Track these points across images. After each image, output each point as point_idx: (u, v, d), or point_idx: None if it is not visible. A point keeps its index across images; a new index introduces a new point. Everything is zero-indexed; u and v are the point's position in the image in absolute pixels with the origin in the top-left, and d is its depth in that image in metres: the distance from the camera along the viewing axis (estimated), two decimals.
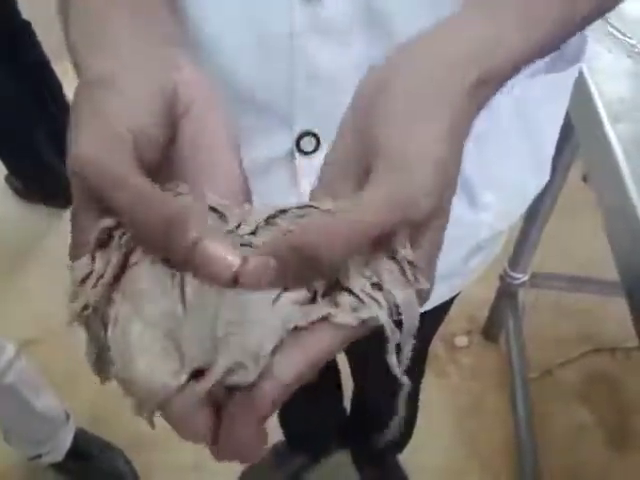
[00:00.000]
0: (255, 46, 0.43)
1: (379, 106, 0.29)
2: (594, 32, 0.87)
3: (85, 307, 0.27)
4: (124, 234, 0.27)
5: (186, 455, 1.39)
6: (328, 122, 0.34)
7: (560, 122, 0.60)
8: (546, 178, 0.63)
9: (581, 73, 0.81)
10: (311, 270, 0.26)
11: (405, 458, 1.36)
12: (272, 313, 0.25)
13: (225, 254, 0.25)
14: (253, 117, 0.47)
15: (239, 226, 0.28)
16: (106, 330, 0.26)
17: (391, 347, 0.27)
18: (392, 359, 0.27)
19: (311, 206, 0.29)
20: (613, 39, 0.85)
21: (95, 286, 0.26)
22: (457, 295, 0.77)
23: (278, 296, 0.26)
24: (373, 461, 1.38)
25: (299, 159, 0.48)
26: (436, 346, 1.59)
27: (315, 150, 0.47)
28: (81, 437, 1.30)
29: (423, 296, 0.28)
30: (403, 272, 0.27)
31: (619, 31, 0.85)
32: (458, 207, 0.56)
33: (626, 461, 1.37)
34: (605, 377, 1.52)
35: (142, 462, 1.37)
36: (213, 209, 0.29)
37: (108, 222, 0.27)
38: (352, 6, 0.41)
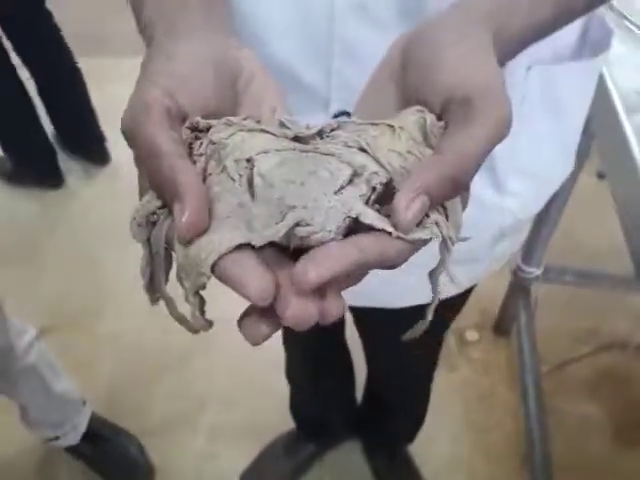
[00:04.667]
0: (298, 26, 0.45)
1: (419, 52, 0.32)
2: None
3: (152, 213, 0.29)
4: (200, 147, 0.30)
5: (200, 442, 1.42)
6: None
7: (586, 110, 0.61)
8: (571, 167, 0.64)
9: None
10: (452, 194, 0.29)
11: (415, 450, 1.36)
12: (334, 199, 0.28)
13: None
14: (291, 97, 0.49)
15: (303, 133, 0.31)
16: (170, 245, 0.29)
17: (447, 252, 0.30)
18: (447, 261, 0.30)
19: (371, 123, 0.32)
20: (629, 32, 0.85)
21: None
22: (474, 287, 0.77)
23: (340, 188, 0.28)
24: (384, 451, 1.39)
25: None
26: (447, 340, 1.60)
27: None
28: (96, 422, 1.33)
29: (465, 200, 0.32)
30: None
31: (635, 25, 0.85)
32: (482, 189, 0.57)
33: (635, 456, 1.37)
34: (616, 373, 1.52)
35: (156, 448, 1.39)
36: (282, 123, 0.32)
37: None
38: None
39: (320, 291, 0.26)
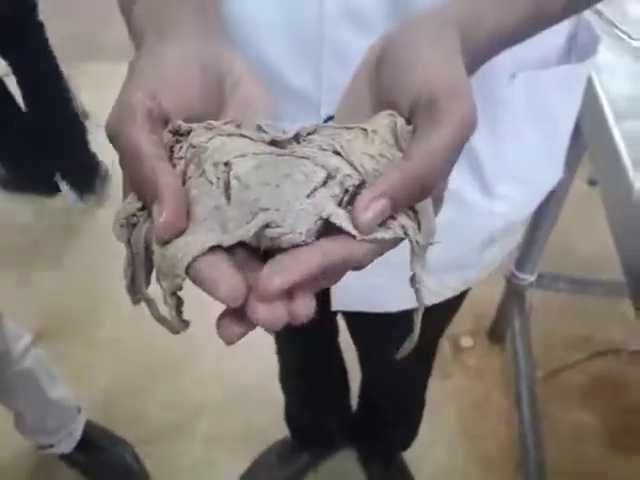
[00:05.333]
0: (287, 29, 0.46)
1: (393, 54, 0.33)
2: (600, 33, 0.88)
3: (132, 215, 0.30)
4: (180, 151, 0.31)
5: (196, 450, 1.41)
6: None
7: (574, 115, 0.62)
8: (560, 172, 0.65)
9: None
10: (418, 197, 0.29)
11: (410, 457, 1.36)
12: (307, 202, 0.28)
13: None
14: (282, 102, 0.50)
15: (280, 137, 0.32)
16: (147, 245, 0.29)
17: (414, 257, 0.30)
18: (417, 267, 0.31)
19: (346, 127, 0.32)
20: (619, 40, 0.86)
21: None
22: (468, 291, 0.77)
23: (313, 190, 0.29)
24: (379, 459, 1.39)
25: None
26: (441, 346, 1.59)
27: None
28: (91, 430, 1.32)
29: (438, 203, 0.32)
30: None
31: (624, 32, 0.87)
32: (471, 193, 0.58)
33: (630, 462, 1.37)
34: (610, 379, 1.52)
35: (152, 456, 1.38)
36: (259, 128, 0.33)
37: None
38: None
39: (289, 292, 0.27)
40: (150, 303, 0.30)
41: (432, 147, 0.29)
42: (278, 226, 0.27)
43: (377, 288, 0.62)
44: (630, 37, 0.86)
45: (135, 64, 0.32)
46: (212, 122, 0.32)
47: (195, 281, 0.27)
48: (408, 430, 1.25)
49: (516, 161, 0.58)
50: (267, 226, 0.27)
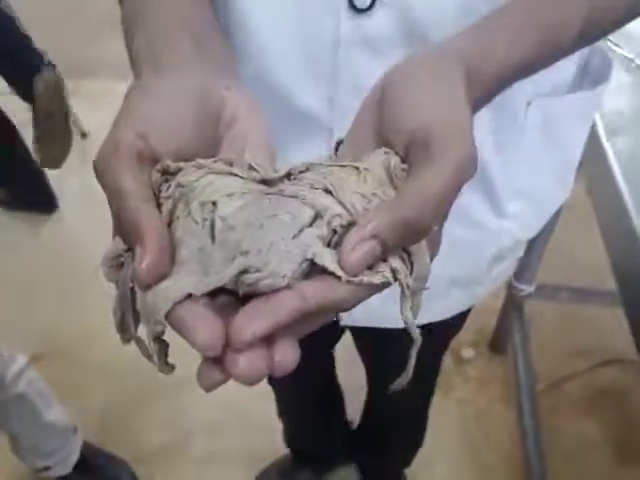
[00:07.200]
0: (302, 53, 0.45)
1: (391, 92, 0.32)
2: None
3: (118, 255, 0.29)
4: (169, 190, 0.30)
5: (189, 470, 1.40)
6: None
7: (585, 138, 0.62)
8: (569, 191, 0.65)
9: None
10: (410, 240, 0.28)
11: (411, 470, 1.35)
12: (292, 243, 0.27)
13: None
14: (294, 124, 0.50)
15: (270, 176, 0.31)
16: (134, 287, 0.28)
17: (405, 302, 0.30)
18: (407, 311, 0.30)
19: (339, 165, 0.32)
20: (611, 53, 0.85)
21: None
22: (472, 307, 0.77)
23: (300, 230, 0.28)
24: (381, 475, 1.37)
25: None
26: (443, 358, 1.59)
27: None
28: (88, 450, 1.31)
29: (435, 246, 0.31)
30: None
31: (617, 45, 0.85)
32: (481, 212, 0.58)
33: (633, 474, 1.36)
34: (613, 389, 1.51)
35: (148, 477, 1.37)
36: (250, 167, 0.32)
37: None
38: (397, 21, 0.43)
39: (269, 341, 0.25)
40: (139, 343, 0.30)
41: (424, 190, 0.28)
42: (258, 270, 0.26)
43: (387, 302, 0.61)
44: (623, 49, 0.85)
45: (129, 97, 0.31)
46: (201, 161, 0.31)
47: (175, 328, 0.26)
48: (410, 446, 1.24)
49: (527, 183, 0.59)
50: (246, 271, 0.26)
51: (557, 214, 1.25)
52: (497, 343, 1.60)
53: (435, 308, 0.67)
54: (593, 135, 0.76)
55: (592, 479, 1.36)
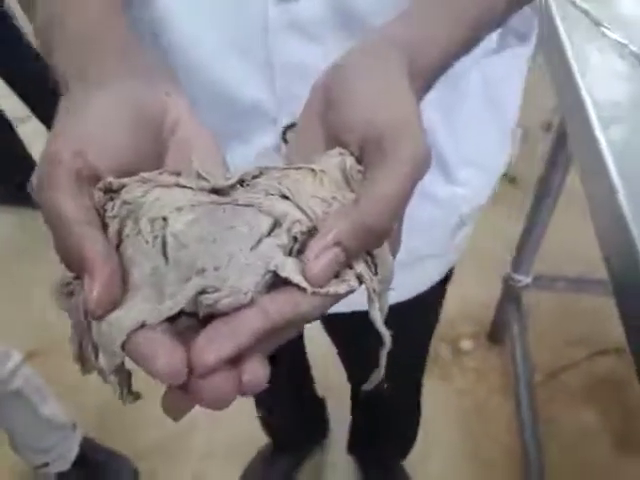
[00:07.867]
0: (232, 44, 0.44)
1: (336, 91, 0.31)
2: (584, 32, 0.86)
3: (67, 283, 0.28)
4: (114, 209, 0.28)
5: (191, 465, 1.40)
6: None
7: (519, 98, 0.64)
8: (509, 151, 0.67)
9: (571, 74, 0.80)
10: (372, 244, 0.28)
11: (409, 462, 1.35)
12: (252, 255, 0.26)
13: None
14: (237, 118, 0.49)
15: (221, 185, 0.30)
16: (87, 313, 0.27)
17: (372, 304, 0.29)
18: (375, 313, 0.29)
19: (294, 167, 0.31)
20: (604, 39, 0.84)
21: None
22: (448, 281, 0.78)
23: (259, 241, 0.27)
24: (378, 468, 1.37)
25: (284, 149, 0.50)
26: (441, 349, 1.59)
27: None
28: (87, 446, 1.31)
29: (395, 243, 0.30)
30: None
31: (610, 30, 0.84)
32: (434, 184, 0.59)
33: (633, 464, 1.35)
34: (611, 379, 1.50)
35: (148, 471, 1.37)
36: (199, 175, 0.30)
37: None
38: (328, 5, 0.43)
39: (235, 361, 0.24)
40: (101, 372, 0.27)
41: (381, 193, 0.27)
42: (216, 290, 0.25)
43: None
44: (616, 35, 0.84)
45: (60, 117, 0.30)
46: (145, 174, 0.29)
47: (132, 358, 0.25)
48: (404, 437, 1.24)
49: (473, 147, 0.60)
50: (203, 291, 0.25)
51: (551, 204, 1.25)
52: (495, 334, 1.59)
53: (408, 282, 0.67)
54: (585, 125, 0.75)
55: (591, 469, 1.36)
